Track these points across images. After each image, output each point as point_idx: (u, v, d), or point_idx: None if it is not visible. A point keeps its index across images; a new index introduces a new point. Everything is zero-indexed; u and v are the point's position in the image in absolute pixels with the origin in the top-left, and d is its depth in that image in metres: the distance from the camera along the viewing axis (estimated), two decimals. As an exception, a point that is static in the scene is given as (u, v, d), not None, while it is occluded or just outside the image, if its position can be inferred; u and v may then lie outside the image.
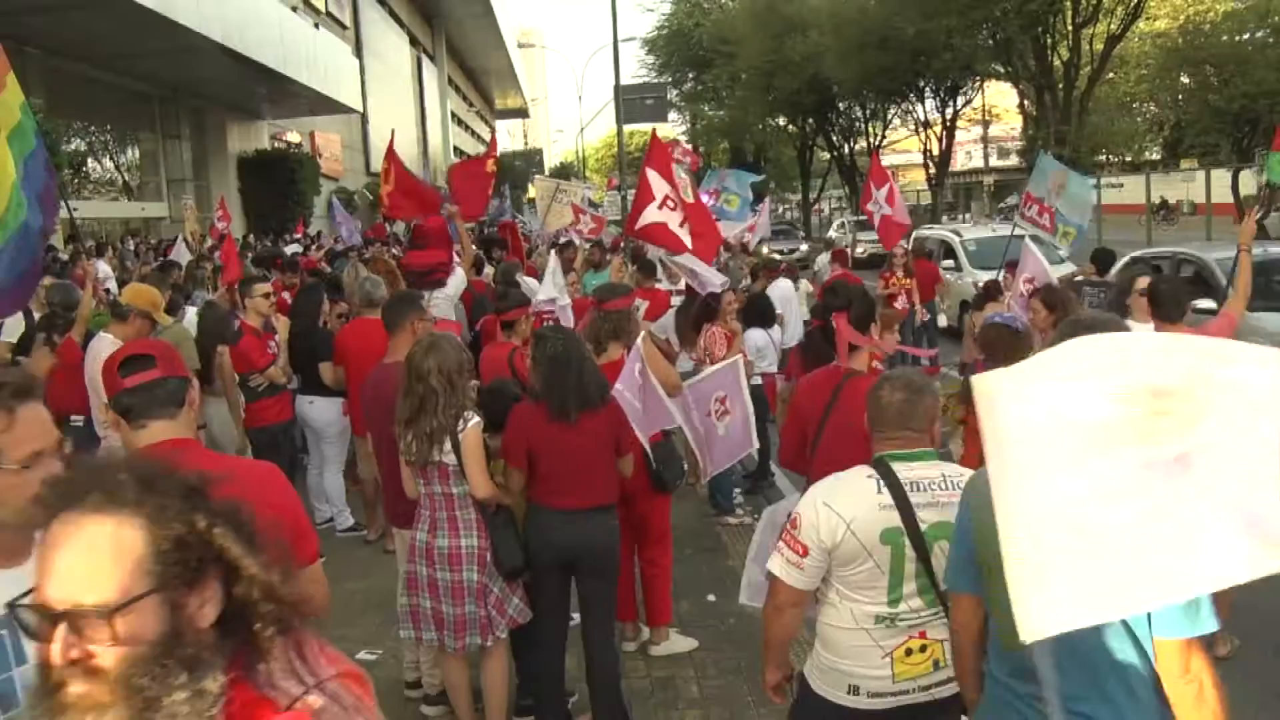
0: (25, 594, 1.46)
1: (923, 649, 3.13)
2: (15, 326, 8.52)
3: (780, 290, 10.43)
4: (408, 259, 9.01)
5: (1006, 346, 6.33)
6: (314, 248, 20.74)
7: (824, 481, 3.32)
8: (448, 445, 4.45)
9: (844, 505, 3.13)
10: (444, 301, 8.24)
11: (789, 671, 3.43)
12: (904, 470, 3.15)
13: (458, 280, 8.47)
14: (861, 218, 31.79)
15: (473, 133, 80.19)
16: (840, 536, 3.09)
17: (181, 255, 14.63)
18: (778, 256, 20.16)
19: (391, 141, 12.50)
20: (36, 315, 8.41)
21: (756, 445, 6.28)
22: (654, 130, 10.28)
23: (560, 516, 4.64)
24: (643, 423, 4.92)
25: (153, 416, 2.76)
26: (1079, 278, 10.25)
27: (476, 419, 4.50)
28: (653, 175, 7.68)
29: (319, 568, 2.94)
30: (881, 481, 3.13)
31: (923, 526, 3.08)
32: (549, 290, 7.50)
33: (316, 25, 32.05)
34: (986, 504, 2.31)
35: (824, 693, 3.24)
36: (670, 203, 7.67)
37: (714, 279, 7.99)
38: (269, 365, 7.43)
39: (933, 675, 3.14)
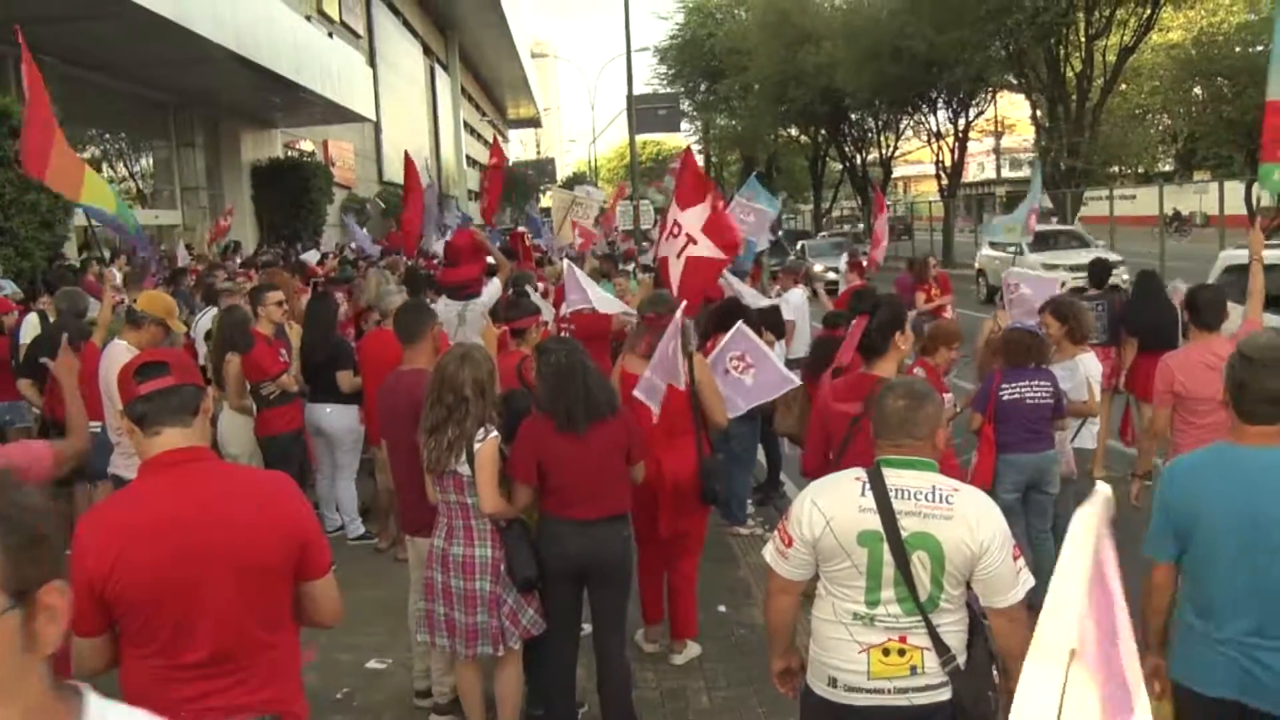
0: None
1: (901, 653, 3.14)
2: (31, 329, 8.58)
3: (794, 299, 10.36)
4: (442, 275, 9.36)
5: (1027, 350, 6.33)
6: (330, 256, 20.89)
7: (820, 479, 3.42)
8: (464, 455, 4.46)
9: (827, 503, 3.21)
10: (479, 310, 8.39)
11: (796, 662, 3.47)
12: (893, 477, 3.17)
13: (493, 290, 8.56)
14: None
15: (485, 142, 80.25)
16: (819, 532, 3.18)
17: (182, 260, 14.66)
18: (832, 276, 19.54)
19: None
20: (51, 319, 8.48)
21: (797, 382, 6.31)
22: (688, 149, 10.24)
23: (572, 527, 4.63)
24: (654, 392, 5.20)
25: (166, 424, 2.78)
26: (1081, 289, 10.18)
27: (495, 433, 4.50)
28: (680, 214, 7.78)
29: (331, 579, 2.95)
30: (868, 485, 3.17)
31: (904, 534, 3.09)
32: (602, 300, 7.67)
33: (330, 34, 32.17)
34: (1191, 487, 3.33)
35: (812, 683, 3.32)
36: (675, 229, 7.69)
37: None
38: (281, 373, 7.45)
39: (910, 680, 3.14)
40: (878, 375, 4.61)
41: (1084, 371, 6.64)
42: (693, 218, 7.55)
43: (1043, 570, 6.09)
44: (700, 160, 68.50)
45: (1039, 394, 6.25)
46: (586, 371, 4.71)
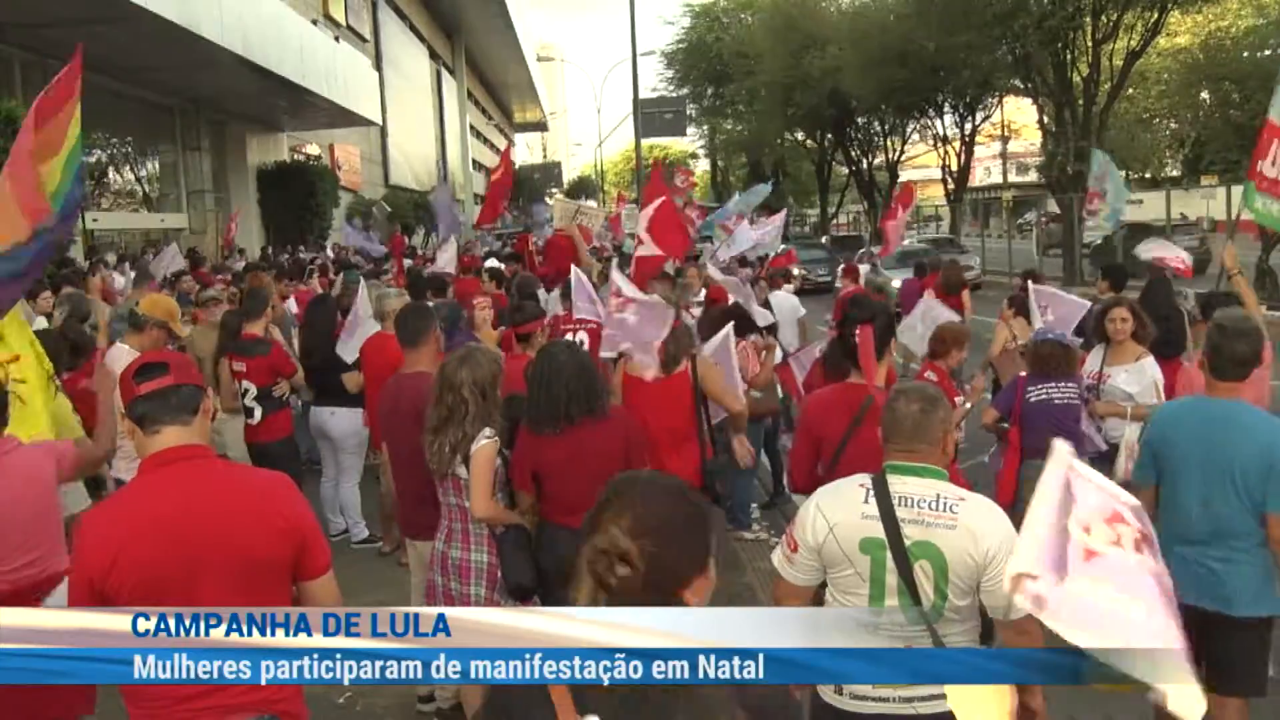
0: None
1: None
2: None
3: (779, 300, 10.36)
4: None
5: (1060, 362, 6.27)
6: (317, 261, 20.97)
7: (827, 485, 3.40)
8: (463, 458, 4.42)
9: (831, 510, 3.20)
10: (551, 304, 8.95)
11: None
12: (898, 484, 3.15)
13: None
14: None
15: (492, 146, 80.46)
16: (823, 539, 3.18)
17: (174, 263, 14.60)
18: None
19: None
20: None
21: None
22: (654, 164, 10.66)
23: (569, 533, 4.58)
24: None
25: (166, 423, 2.79)
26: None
27: (493, 437, 4.44)
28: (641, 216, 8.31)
29: (331, 578, 2.94)
30: (871, 492, 3.15)
31: (907, 543, 3.06)
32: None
33: (337, 38, 32.25)
34: (1168, 428, 4.27)
35: (819, 690, 3.28)
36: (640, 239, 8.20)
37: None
38: (295, 373, 7.47)
39: (915, 689, 3.10)
40: (869, 385, 4.54)
41: (1151, 374, 6.57)
42: (645, 217, 8.03)
43: None
44: (706, 164, 68.65)
45: (1066, 394, 6.15)
46: (568, 372, 4.53)
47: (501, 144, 79.91)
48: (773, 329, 8.53)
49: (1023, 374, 6.38)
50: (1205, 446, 4.07)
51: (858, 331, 4.56)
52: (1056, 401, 6.12)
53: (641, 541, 1.89)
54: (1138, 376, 6.52)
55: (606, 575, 1.90)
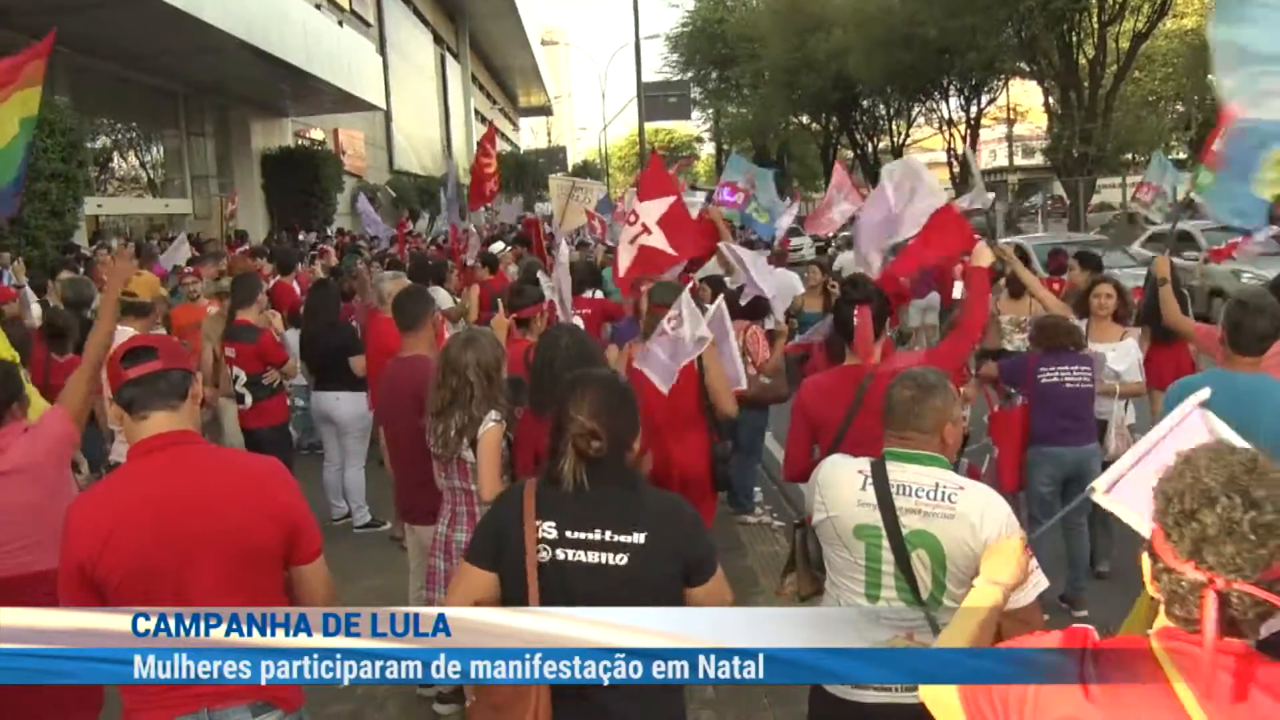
0: None
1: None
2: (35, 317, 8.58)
3: (779, 279, 10.32)
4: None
5: (1065, 333, 6.24)
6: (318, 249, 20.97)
7: (835, 466, 3.32)
8: (470, 441, 4.41)
9: (828, 494, 3.20)
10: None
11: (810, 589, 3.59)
12: (897, 472, 3.11)
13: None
14: None
15: (496, 130, 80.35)
16: (820, 519, 3.22)
17: (179, 253, 14.53)
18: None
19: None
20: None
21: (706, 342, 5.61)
22: (653, 152, 10.30)
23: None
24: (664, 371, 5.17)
25: (154, 408, 2.77)
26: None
27: (499, 420, 4.42)
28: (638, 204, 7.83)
29: (321, 563, 2.92)
30: (869, 479, 3.11)
31: (904, 531, 3.04)
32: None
33: (340, 23, 32.20)
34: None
35: None
36: (633, 217, 7.80)
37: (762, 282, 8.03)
38: (284, 362, 7.49)
39: None
40: (867, 366, 4.49)
41: (1135, 353, 6.57)
42: (651, 210, 7.67)
43: (1078, 562, 6.05)
44: (711, 148, 68.46)
45: (1079, 378, 6.00)
46: (571, 355, 4.49)
47: (506, 128, 79.78)
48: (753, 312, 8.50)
49: (1034, 351, 6.32)
50: (1234, 417, 4.10)
51: (856, 312, 4.50)
52: (1068, 385, 5.98)
53: (600, 419, 2.73)
54: (1124, 354, 6.54)
55: (587, 449, 2.70)
